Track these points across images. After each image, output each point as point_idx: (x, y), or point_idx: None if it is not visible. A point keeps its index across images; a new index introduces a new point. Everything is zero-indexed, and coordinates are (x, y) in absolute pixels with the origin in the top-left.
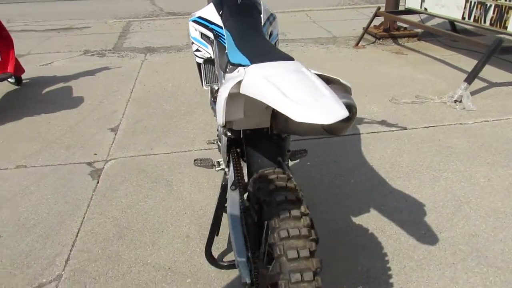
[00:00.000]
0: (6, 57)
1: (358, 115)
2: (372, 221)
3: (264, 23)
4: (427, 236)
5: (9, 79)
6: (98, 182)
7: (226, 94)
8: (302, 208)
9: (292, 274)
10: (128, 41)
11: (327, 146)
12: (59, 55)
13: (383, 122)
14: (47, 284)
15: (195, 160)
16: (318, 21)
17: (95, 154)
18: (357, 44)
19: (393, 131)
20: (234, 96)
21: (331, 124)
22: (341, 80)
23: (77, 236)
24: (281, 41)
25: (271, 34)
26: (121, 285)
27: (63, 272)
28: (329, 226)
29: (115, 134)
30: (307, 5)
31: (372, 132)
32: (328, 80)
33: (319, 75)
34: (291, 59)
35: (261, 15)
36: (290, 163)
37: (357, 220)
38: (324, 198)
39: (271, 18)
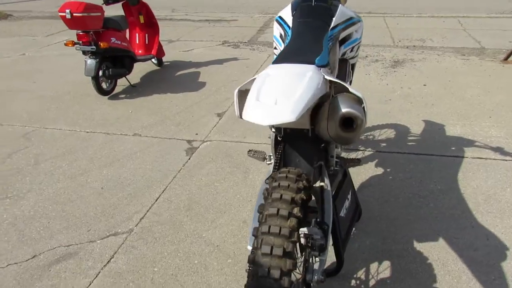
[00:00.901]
0: (152, 41)
1: (472, 136)
2: (435, 251)
3: (335, 27)
4: (496, 284)
5: (153, 60)
6: (189, 158)
7: (237, 90)
8: (295, 210)
9: (260, 267)
10: (264, 36)
11: (420, 163)
12: (201, 43)
13: (497, 149)
14: (120, 234)
15: (249, 151)
16: (470, 29)
17: (196, 134)
18: (506, 58)
19: (506, 160)
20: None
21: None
22: (350, 89)
23: (156, 200)
24: (418, 48)
25: (347, 38)
26: (173, 250)
27: (134, 227)
28: (384, 244)
29: (219, 119)
30: (463, 11)
31: (479, 158)
32: (341, 89)
33: (335, 82)
34: (312, 63)
35: (333, 18)
36: (362, 173)
37: (419, 246)
38: (393, 215)
39: (349, 22)
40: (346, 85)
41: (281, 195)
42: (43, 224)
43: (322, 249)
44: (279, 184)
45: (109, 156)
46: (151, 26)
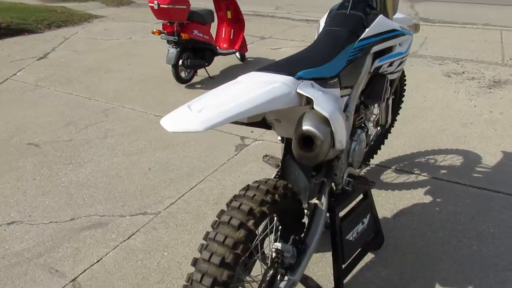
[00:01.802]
0: (236, 36)
1: None
2: None
3: (366, 38)
4: None
5: (237, 55)
6: (236, 154)
7: None
8: (250, 222)
9: (196, 272)
10: None
11: (480, 199)
12: (291, 43)
13: None
14: (148, 214)
15: (264, 156)
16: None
17: (252, 132)
18: None
19: None
20: None
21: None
22: (315, 107)
23: (190, 189)
24: (436, 59)
25: (386, 51)
26: (187, 239)
27: (162, 211)
28: (400, 280)
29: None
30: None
31: None
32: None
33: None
34: (291, 75)
35: (365, 29)
36: (406, 198)
37: None
38: (424, 251)
39: (389, 34)
40: (315, 102)
41: (240, 204)
42: (89, 193)
43: (290, 268)
44: (245, 193)
45: (166, 140)
46: (237, 21)
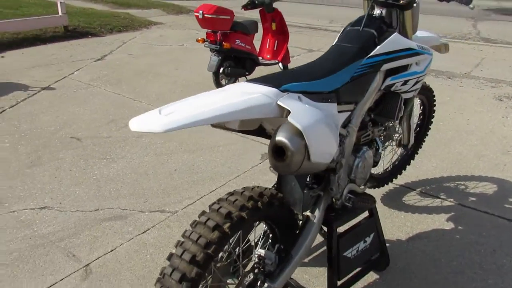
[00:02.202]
0: (280, 48)
1: None
2: None
3: (376, 55)
4: None
5: (280, 66)
6: (261, 163)
7: None
8: (225, 225)
9: (167, 267)
10: None
11: (508, 232)
12: None
13: None
14: (165, 212)
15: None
16: None
17: None
18: None
19: None
20: None
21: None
22: (289, 119)
23: (210, 192)
24: (490, 81)
25: (400, 70)
26: None
27: (180, 210)
28: None
29: None
30: None
31: None
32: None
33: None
34: (277, 87)
35: (377, 46)
36: (424, 222)
37: None
38: (433, 278)
39: (404, 52)
40: (290, 114)
41: (220, 207)
42: (117, 187)
43: (270, 276)
44: (227, 197)
45: (196, 143)
46: (282, 33)
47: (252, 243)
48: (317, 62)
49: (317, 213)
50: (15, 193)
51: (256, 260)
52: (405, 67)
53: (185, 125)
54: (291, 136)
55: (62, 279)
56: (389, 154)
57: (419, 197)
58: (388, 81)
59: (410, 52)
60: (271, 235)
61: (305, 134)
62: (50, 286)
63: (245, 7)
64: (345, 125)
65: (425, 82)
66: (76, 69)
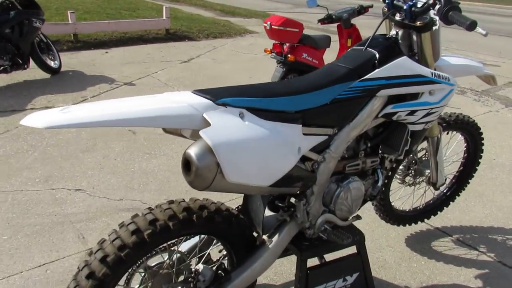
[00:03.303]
0: None
1: None
2: None
3: (371, 79)
4: None
5: None
6: None
7: None
8: (146, 232)
9: (83, 261)
10: (510, 89)
11: None
12: None
13: None
14: None
15: None
16: None
17: None
18: None
19: None
20: None
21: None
22: (201, 133)
23: (232, 199)
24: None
25: (408, 98)
26: None
27: None
28: None
29: None
30: None
31: None
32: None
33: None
34: (213, 99)
35: (374, 70)
36: None
37: None
38: None
39: (410, 79)
40: (205, 129)
41: (148, 213)
42: (147, 181)
43: None
44: (163, 205)
45: None
46: None
47: (212, 256)
48: (293, 80)
49: (275, 238)
50: (61, 173)
51: (193, 274)
52: (414, 96)
53: (69, 125)
54: (200, 151)
55: (63, 257)
56: (419, 191)
57: (452, 245)
58: (389, 109)
59: (419, 80)
60: (225, 252)
61: (216, 151)
62: (51, 262)
63: (322, 21)
64: (321, 150)
65: (469, 117)
66: (161, 69)
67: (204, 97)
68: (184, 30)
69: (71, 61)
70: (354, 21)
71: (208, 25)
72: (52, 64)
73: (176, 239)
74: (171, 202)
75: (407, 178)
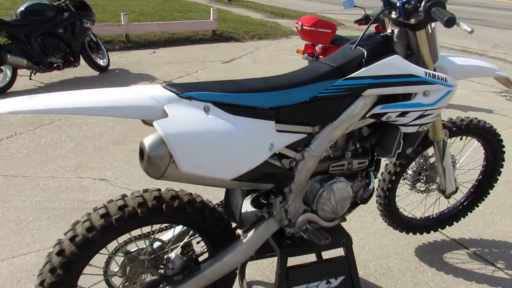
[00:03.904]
0: None
1: None
2: None
3: (356, 78)
4: None
5: None
6: None
7: None
8: (115, 217)
9: (57, 240)
10: None
11: None
12: (477, 85)
13: None
14: None
15: None
16: None
17: None
18: None
19: None
20: None
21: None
22: (154, 124)
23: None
24: None
25: (398, 98)
26: None
27: None
28: None
29: None
30: None
31: None
32: None
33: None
34: (178, 93)
35: (361, 68)
36: None
37: None
38: None
39: (400, 79)
40: (159, 120)
41: (120, 199)
42: None
43: (172, 282)
44: (136, 192)
45: None
46: None
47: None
48: (273, 77)
49: (250, 233)
50: (90, 163)
51: (164, 261)
52: (407, 96)
53: (29, 111)
54: (153, 140)
55: None
56: (431, 198)
57: (467, 258)
58: (378, 110)
59: (410, 80)
60: (202, 243)
61: (167, 141)
62: None
63: (359, 21)
64: (300, 148)
65: (485, 122)
66: (201, 68)
67: (170, 90)
68: (231, 31)
69: (120, 60)
70: None
71: (254, 27)
72: (101, 62)
73: (159, 228)
74: (146, 190)
75: (418, 184)
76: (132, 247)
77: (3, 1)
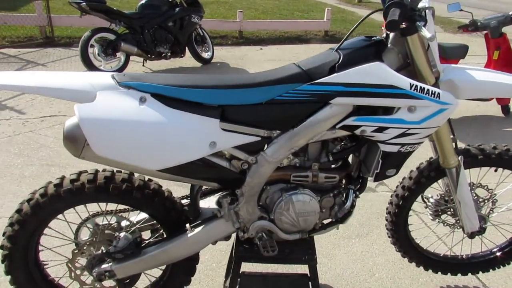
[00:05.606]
0: None
1: None
2: None
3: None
4: None
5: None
6: None
7: None
8: (64, 188)
9: (20, 201)
10: None
11: None
12: None
13: None
14: None
15: None
16: None
17: None
18: None
19: None
20: None
21: None
22: (75, 107)
23: None
24: None
25: (376, 111)
26: None
27: None
28: None
29: None
30: None
31: None
32: None
33: None
34: (118, 82)
35: (333, 74)
36: None
37: None
38: None
39: (375, 90)
40: (80, 104)
41: (74, 174)
42: None
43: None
44: (91, 170)
45: None
46: (506, 66)
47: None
48: (230, 75)
49: (198, 229)
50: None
51: (113, 239)
52: (389, 110)
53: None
54: (71, 122)
55: None
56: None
57: None
58: (350, 121)
59: (391, 91)
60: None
61: (81, 124)
62: None
63: (465, 28)
64: (255, 151)
65: None
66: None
67: (114, 78)
68: (344, 33)
69: (226, 54)
70: (506, 30)
71: (372, 29)
72: (204, 55)
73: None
74: (104, 170)
75: (443, 216)
76: (101, 221)
77: None
